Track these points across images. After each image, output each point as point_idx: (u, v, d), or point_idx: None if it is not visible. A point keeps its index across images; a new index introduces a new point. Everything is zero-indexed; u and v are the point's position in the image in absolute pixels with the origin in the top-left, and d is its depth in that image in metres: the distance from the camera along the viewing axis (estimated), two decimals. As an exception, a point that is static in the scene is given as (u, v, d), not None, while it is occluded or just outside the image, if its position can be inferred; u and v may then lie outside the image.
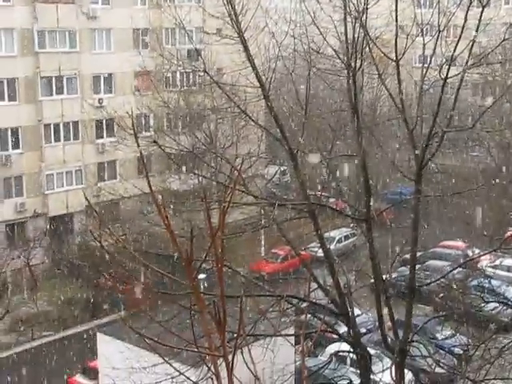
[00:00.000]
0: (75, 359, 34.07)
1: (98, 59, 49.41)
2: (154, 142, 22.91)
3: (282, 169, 48.38)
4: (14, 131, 46.04)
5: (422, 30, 19.59)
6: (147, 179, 7.73)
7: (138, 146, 7.46)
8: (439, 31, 18.55)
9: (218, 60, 29.41)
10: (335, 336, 25.69)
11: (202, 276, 25.34)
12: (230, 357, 6.78)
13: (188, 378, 12.69)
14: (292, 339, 24.76)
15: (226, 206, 7.07)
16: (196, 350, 7.70)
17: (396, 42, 18.74)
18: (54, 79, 47.08)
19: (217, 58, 28.43)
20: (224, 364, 6.83)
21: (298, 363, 27.68)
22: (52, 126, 47.20)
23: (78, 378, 32.56)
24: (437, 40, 18.76)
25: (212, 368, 6.91)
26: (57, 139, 47.53)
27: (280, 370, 21.81)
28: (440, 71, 18.75)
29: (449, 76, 18.38)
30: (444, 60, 18.99)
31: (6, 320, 38.30)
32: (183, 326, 12.70)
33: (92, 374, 31.43)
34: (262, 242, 47.18)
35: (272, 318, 19.35)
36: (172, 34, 51.20)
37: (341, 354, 24.83)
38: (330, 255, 20.94)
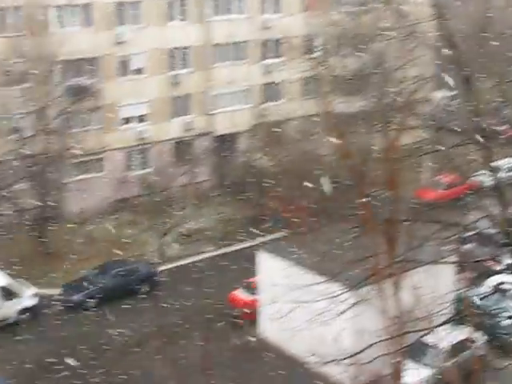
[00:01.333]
0: (236, 275, 35.01)
1: (266, -22, 49.13)
2: (321, 63, 22.68)
3: (451, 93, 46.62)
4: (184, 51, 47.01)
5: None
6: (319, 101, 7.61)
7: (307, 67, 7.31)
8: None
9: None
10: (497, 268, 24.98)
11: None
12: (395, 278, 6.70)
13: (348, 299, 12.74)
14: (454, 268, 24.30)
15: (398, 128, 6.87)
16: (359, 270, 7.67)
17: None
18: (222, -1, 47.41)
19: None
20: (384, 286, 6.76)
21: (458, 292, 27.19)
22: (220, 46, 47.77)
23: (239, 292, 33.57)
24: None
25: (375, 288, 6.85)
26: (224, 59, 48.12)
27: (439, 297, 21.51)
28: None
29: None
30: None
31: (171, 234, 39.85)
32: (344, 248, 12.71)
33: (252, 289, 32.36)
34: (428, 169, 46.13)
35: (435, 245, 19.03)
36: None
37: (503, 286, 24.10)
38: (499, 184, 20.20)
